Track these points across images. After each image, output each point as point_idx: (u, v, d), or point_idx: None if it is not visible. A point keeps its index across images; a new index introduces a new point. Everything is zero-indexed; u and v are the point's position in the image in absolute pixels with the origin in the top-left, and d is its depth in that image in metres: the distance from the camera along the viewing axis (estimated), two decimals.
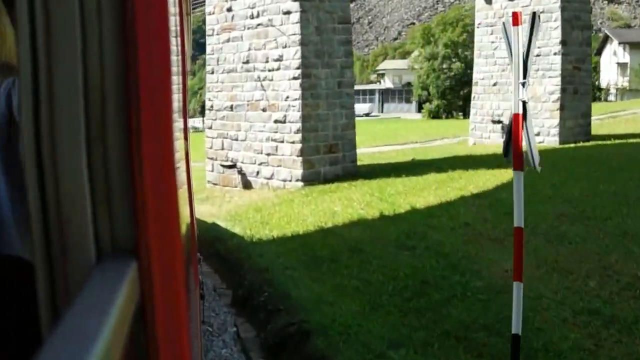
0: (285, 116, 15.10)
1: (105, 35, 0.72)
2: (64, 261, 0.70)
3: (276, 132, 15.29)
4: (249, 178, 16.02)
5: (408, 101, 67.61)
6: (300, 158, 14.84)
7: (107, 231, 0.73)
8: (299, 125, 14.84)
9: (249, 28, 16.03)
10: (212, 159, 17.04)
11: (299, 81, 14.84)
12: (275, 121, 15.30)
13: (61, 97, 0.70)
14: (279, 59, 15.25)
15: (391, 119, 39.17)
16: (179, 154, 1.15)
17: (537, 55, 20.87)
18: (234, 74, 16.39)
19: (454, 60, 47.87)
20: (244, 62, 16.16)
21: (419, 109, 57.57)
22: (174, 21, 1.13)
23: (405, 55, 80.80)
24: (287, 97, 15.05)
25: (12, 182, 1.65)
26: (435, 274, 7.73)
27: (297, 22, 14.88)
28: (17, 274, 1.46)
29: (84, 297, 0.64)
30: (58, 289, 0.71)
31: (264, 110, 15.61)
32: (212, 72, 17.04)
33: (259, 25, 15.78)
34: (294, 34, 14.97)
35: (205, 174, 17.48)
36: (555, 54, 20.85)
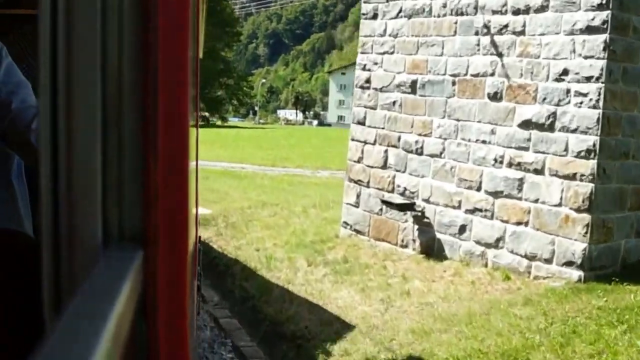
0: (553, 115, 6.67)
1: (125, 23, 0.71)
2: (71, 244, 0.69)
3: (525, 147, 6.89)
4: (439, 235, 7.69)
5: None
6: (587, 215, 6.36)
7: (115, 218, 0.72)
8: (592, 139, 6.38)
9: None
10: (358, 182, 8.79)
11: (604, 38, 6.37)
12: (525, 124, 6.90)
13: (79, 82, 0.69)
14: None
15: None
16: (192, 145, 0.96)
17: None
18: (425, 20, 8.08)
19: None
20: None
21: None
22: (192, 9, 1.03)
23: None
24: (561, 74, 6.62)
25: None
26: None
27: None
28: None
29: (89, 284, 0.64)
30: (63, 271, 0.69)
31: (494, 97, 7.23)
32: (375, 17, 8.75)
33: None
34: None
35: (341, 208, 9.26)
36: None
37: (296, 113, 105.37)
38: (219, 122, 78.53)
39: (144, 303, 0.73)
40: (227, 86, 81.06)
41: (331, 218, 10.18)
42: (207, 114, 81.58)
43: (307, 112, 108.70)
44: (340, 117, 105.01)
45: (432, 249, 7.74)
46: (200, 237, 4.46)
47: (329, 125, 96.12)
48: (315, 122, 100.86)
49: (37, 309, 0.70)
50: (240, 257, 8.77)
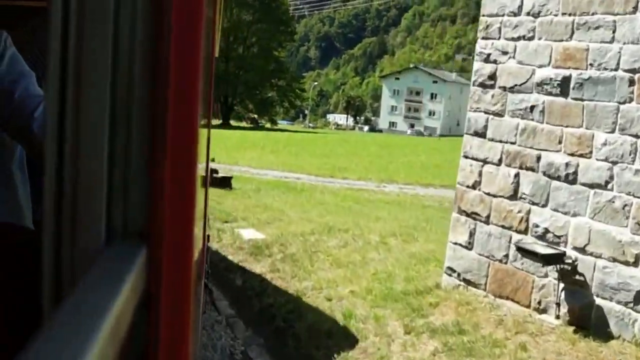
0: None
1: (138, 15, 0.68)
2: (73, 238, 0.67)
3: None
4: (599, 301, 5.29)
5: None
6: None
7: (120, 213, 0.70)
8: None
9: None
10: (472, 215, 6.44)
11: None
12: None
13: (89, 76, 0.66)
14: None
15: None
16: (202, 143, 0.89)
17: None
18: None
19: None
20: None
21: None
22: (208, 5, 1.02)
23: None
24: None
25: None
26: None
27: None
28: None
29: (89, 279, 0.63)
30: (64, 266, 0.67)
31: None
32: None
33: None
34: None
35: (445, 246, 6.95)
36: None
37: (346, 118, 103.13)
38: (268, 125, 76.96)
39: (146, 300, 0.69)
40: (278, 87, 79.44)
41: (421, 255, 7.87)
42: (255, 115, 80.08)
43: (357, 117, 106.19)
44: (392, 124, 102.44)
45: (587, 320, 5.35)
46: (208, 235, 4.23)
47: (380, 131, 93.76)
48: (366, 127, 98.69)
49: (38, 307, 0.67)
50: (306, 308, 6.56)
